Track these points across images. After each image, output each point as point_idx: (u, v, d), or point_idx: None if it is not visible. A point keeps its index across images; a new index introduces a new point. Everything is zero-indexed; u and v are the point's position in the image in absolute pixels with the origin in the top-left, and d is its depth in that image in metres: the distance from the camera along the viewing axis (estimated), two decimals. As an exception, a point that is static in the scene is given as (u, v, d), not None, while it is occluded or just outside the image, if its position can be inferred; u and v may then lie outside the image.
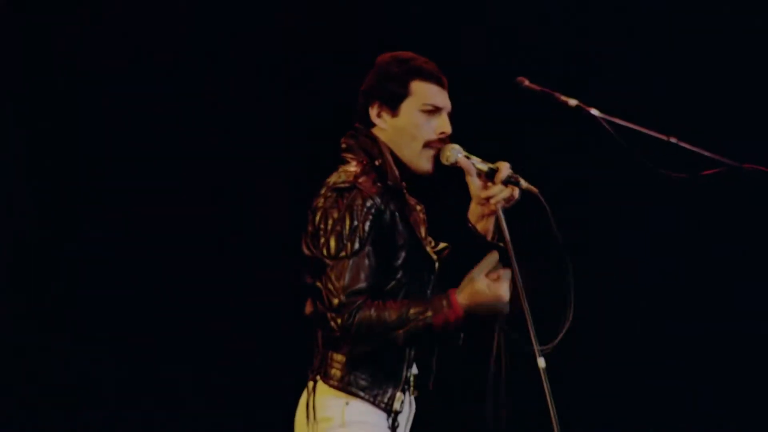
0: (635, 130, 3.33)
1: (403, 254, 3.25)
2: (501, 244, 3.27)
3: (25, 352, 5.36)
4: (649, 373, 5.40)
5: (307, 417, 3.25)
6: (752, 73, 5.30)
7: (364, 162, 3.32)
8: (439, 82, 3.36)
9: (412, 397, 3.37)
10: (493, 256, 3.23)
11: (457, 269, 3.31)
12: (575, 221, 5.24)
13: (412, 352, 3.29)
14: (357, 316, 3.14)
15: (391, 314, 3.15)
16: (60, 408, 5.39)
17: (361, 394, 3.23)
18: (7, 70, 5.35)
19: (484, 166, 3.32)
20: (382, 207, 3.24)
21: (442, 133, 3.34)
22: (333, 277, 3.17)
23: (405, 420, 3.33)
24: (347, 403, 3.23)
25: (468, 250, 3.36)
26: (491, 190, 3.29)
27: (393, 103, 3.35)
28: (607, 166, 4.93)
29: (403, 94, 3.34)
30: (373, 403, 3.23)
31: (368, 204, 3.22)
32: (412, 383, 3.32)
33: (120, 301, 5.40)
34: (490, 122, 5.18)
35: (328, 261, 3.19)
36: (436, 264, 3.36)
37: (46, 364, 5.39)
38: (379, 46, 3.62)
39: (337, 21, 5.37)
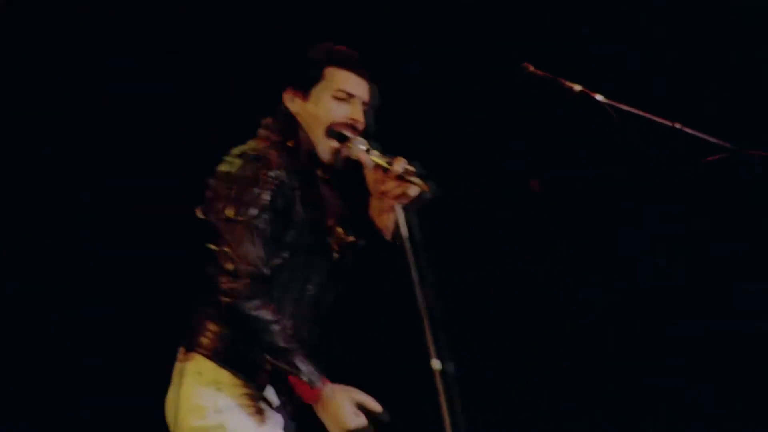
0: (640, 116, 3.33)
1: (293, 233, 3.27)
2: (398, 243, 3.28)
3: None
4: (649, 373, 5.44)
5: (180, 392, 3.33)
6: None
7: (277, 140, 3.34)
8: (357, 71, 3.36)
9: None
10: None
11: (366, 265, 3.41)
12: (575, 219, 5.34)
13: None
14: (255, 310, 3.19)
15: (279, 340, 3.20)
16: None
17: (233, 370, 3.28)
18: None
19: (381, 161, 3.31)
20: (286, 182, 3.25)
21: (352, 120, 3.35)
22: (229, 240, 3.19)
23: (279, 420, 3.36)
24: (219, 389, 3.27)
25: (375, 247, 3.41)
26: (385, 185, 3.29)
27: (305, 87, 3.37)
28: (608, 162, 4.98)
29: (316, 78, 3.35)
30: (245, 384, 3.29)
31: (272, 175, 3.24)
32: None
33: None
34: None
35: (225, 224, 3.21)
36: (335, 254, 3.37)
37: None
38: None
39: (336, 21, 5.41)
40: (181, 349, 3.38)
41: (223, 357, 3.28)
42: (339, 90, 3.34)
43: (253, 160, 3.25)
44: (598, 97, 3.35)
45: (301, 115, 3.38)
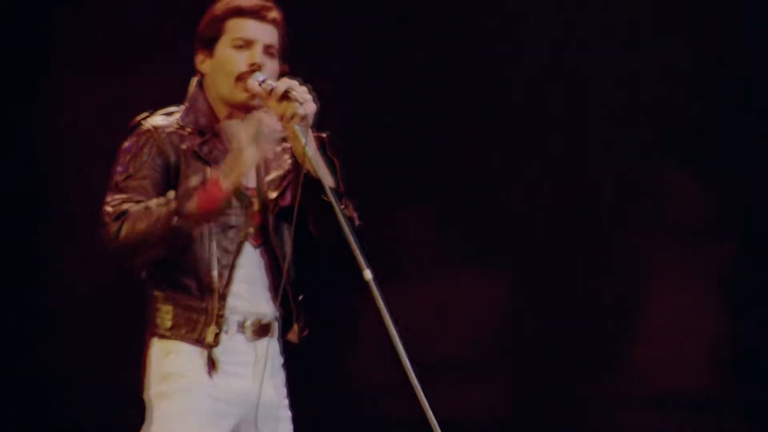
0: None
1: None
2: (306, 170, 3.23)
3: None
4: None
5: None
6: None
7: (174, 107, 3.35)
8: (257, 17, 3.31)
9: (269, 344, 3.30)
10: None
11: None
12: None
13: (219, 283, 3.21)
14: (122, 216, 3.11)
15: (154, 202, 3.13)
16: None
17: (168, 334, 3.20)
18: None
19: (266, 86, 3.25)
20: (165, 139, 3.22)
21: (253, 64, 3.27)
22: (106, 197, 3.16)
23: (248, 365, 3.26)
24: (166, 354, 3.21)
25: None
26: (276, 109, 3.22)
27: (210, 45, 3.33)
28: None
29: (218, 34, 3.31)
30: (183, 341, 3.20)
31: (147, 135, 3.21)
32: (242, 324, 3.25)
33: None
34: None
35: (107, 190, 3.19)
36: (253, 202, 3.29)
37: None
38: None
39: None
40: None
41: (162, 326, 3.25)
42: (236, 38, 3.30)
43: (133, 129, 3.27)
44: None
45: (210, 74, 3.34)
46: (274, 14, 3.35)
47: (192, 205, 3.12)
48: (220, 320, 3.20)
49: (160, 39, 5.53)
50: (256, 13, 3.32)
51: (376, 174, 5.55)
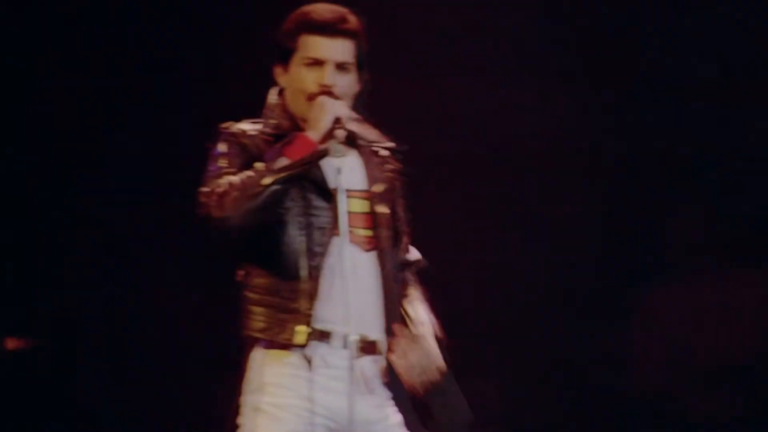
0: None
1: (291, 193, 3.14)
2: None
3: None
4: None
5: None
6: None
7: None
8: (328, 34, 3.20)
9: (372, 361, 3.21)
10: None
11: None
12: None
13: (308, 283, 3.13)
14: (220, 193, 3.10)
15: (245, 174, 3.12)
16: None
17: (261, 336, 3.14)
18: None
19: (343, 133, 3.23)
20: (250, 141, 3.19)
21: (322, 86, 3.18)
22: (201, 191, 3.16)
23: (348, 381, 3.13)
24: (265, 364, 3.14)
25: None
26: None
27: (285, 60, 3.25)
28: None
29: (291, 49, 3.23)
30: (275, 344, 3.13)
31: (234, 137, 3.20)
32: (346, 339, 3.13)
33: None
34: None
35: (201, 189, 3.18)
36: (337, 193, 3.17)
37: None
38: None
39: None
40: None
41: (254, 328, 3.18)
42: (306, 57, 3.20)
43: (220, 132, 3.28)
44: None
45: (287, 89, 3.28)
46: (348, 25, 3.22)
47: (281, 160, 3.10)
48: (309, 320, 3.11)
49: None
50: (327, 29, 3.19)
51: (648, 175, 5.60)
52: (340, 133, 3.17)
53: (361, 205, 3.23)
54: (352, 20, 3.25)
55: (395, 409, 3.25)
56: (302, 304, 3.13)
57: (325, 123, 3.15)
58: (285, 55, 3.25)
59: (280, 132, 3.22)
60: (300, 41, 3.23)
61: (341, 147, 3.21)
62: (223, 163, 3.17)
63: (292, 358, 3.12)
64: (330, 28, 3.21)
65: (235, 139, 3.21)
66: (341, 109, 3.18)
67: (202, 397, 5.16)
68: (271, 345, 3.14)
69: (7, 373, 5.75)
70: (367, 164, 3.30)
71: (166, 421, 5.57)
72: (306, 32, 3.22)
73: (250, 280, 3.18)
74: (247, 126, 3.25)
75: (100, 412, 5.66)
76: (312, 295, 3.13)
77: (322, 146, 3.15)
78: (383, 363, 3.22)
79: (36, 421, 5.66)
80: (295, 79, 3.23)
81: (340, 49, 3.22)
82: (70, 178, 5.72)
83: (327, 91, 3.19)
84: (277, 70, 3.28)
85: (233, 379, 3.23)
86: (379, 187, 3.28)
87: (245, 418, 3.15)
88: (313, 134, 3.15)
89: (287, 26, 3.26)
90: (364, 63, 3.27)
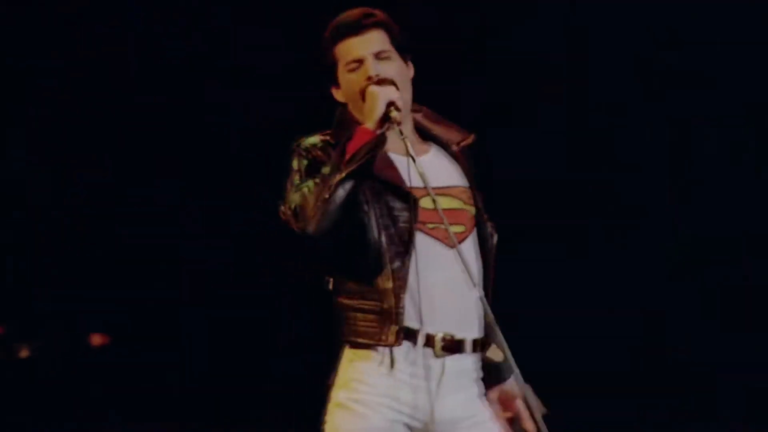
0: None
1: (368, 194, 3.14)
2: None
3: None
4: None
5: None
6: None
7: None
8: (354, 32, 3.24)
9: (459, 360, 3.16)
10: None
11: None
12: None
13: (393, 283, 3.11)
14: (296, 200, 3.13)
15: (319, 176, 3.15)
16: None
17: (355, 341, 3.14)
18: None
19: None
20: (321, 153, 3.20)
21: (368, 78, 3.20)
22: (281, 207, 3.18)
23: (432, 379, 3.13)
24: (351, 361, 3.15)
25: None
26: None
27: (334, 78, 3.29)
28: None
29: (334, 64, 3.27)
30: (369, 346, 3.13)
31: (305, 151, 3.20)
32: (432, 338, 3.11)
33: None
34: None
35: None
36: (415, 200, 3.14)
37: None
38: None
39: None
40: None
41: (353, 333, 3.17)
42: (347, 63, 3.24)
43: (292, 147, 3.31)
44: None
45: (347, 102, 3.29)
46: (372, 18, 3.26)
47: (344, 155, 3.11)
48: (399, 318, 3.09)
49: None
50: (353, 29, 3.23)
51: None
52: (397, 115, 3.13)
53: (442, 202, 3.15)
54: (376, 13, 3.28)
55: (486, 404, 3.21)
56: (388, 304, 3.10)
57: (378, 109, 3.13)
58: (332, 73, 3.28)
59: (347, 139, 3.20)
60: (336, 53, 3.26)
61: (405, 136, 3.14)
62: (296, 178, 3.19)
63: (377, 355, 3.11)
64: (355, 27, 3.24)
65: (307, 153, 3.21)
66: (391, 92, 3.16)
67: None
68: (360, 345, 3.13)
69: (92, 368, 5.96)
70: (444, 159, 3.30)
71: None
72: (337, 42, 3.26)
73: (337, 285, 3.18)
74: (316, 139, 3.25)
75: (181, 408, 5.83)
76: (397, 295, 3.10)
77: (380, 131, 3.12)
78: (472, 360, 3.19)
79: (116, 414, 5.86)
80: (347, 87, 3.25)
81: (373, 41, 3.24)
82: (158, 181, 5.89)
83: (373, 81, 3.19)
84: (334, 91, 3.31)
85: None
86: (461, 182, 3.28)
87: (328, 413, 3.16)
88: (369, 123, 3.14)
89: (322, 46, 3.30)
90: (405, 48, 3.29)
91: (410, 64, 3.31)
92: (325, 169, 3.12)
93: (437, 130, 3.35)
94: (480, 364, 3.22)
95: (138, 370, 5.85)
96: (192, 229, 5.87)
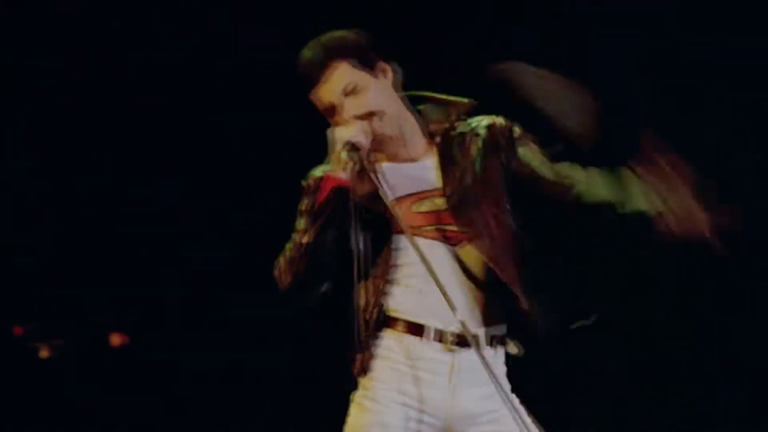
0: None
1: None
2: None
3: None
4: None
5: None
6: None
7: None
8: (315, 81, 3.16)
9: (471, 355, 3.09)
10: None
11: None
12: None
13: (383, 282, 3.14)
14: (283, 253, 3.18)
15: (296, 233, 3.17)
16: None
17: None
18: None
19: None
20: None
21: (341, 122, 3.16)
22: None
23: (444, 374, 3.11)
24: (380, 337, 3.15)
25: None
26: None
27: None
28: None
29: (318, 109, 3.23)
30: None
31: (307, 186, 3.21)
32: (440, 333, 3.11)
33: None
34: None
35: None
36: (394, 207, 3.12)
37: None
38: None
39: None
40: None
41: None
42: (325, 111, 3.21)
43: None
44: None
45: None
46: (327, 59, 3.15)
47: (314, 208, 3.14)
48: (397, 314, 3.13)
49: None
50: (315, 77, 3.15)
51: None
52: (359, 155, 3.11)
53: (436, 204, 3.17)
54: (329, 45, 3.18)
55: (507, 398, 3.13)
56: (387, 301, 3.14)
57: (336, 152, 3.11)
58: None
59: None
60: (314, 101, 3.20)
61: (377, 172, 3.17)
62: (299, 222, 3.18)
63: (389, 352, 3.12)
64: (315, 74, 3.16)
65: (309, 191, 3.17)
66: (346, 132, 3.11)
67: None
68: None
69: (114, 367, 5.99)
70: (447, 159, 3.23)
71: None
72: (309, 92, 3.19)
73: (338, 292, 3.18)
74: (320, 171, 3.21)
75: (195, 409, 5.84)
76: (388, 292, 3.13)
77: (345, 175, 3.08)
78: (490, 355, 3.14)
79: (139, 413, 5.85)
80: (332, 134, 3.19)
81: (336, 80, 3.15)
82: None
83: (359, 117, 3.15)
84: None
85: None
86: (459, 180, 3.21)
87: (349, 413, 3.18)
88: (334, 170, 3.12)
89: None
90: (372, 61, 3.19)
91: (388, 69, 3.23)
92: (299, 224, 3.14)
93: (433, 126, 3.30)
94: (503, 359, 3.19)
95: (154, 369, 5.91)
96: (198, 228, 5.90)
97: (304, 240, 3.09)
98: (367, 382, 3.14)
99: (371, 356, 3.14)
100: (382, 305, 3.13)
